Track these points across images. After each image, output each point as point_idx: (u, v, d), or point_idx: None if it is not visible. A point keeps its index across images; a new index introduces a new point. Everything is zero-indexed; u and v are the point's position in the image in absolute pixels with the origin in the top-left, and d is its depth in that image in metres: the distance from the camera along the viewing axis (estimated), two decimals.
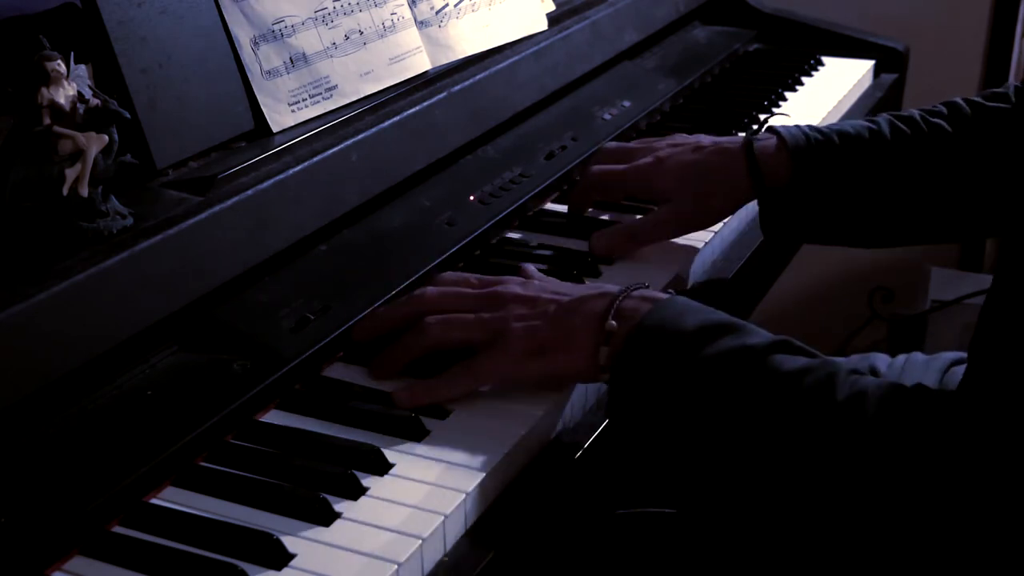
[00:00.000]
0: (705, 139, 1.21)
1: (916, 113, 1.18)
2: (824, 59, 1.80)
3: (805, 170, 1.14)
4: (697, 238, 1.20)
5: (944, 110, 1.18)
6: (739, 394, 0.82)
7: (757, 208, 1.20)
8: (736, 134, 1.48)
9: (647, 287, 0.93)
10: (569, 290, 0.96)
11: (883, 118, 1.18)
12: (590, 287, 0.98)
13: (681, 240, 1.19)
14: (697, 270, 1.20)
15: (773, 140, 1.16)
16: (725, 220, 1.23)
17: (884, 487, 0.77)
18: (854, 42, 1.84)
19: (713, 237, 1.22)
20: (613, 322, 0.89)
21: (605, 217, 1.26)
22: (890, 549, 0.77)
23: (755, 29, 1.87)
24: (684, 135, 1.25)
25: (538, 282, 0.98)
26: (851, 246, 1.22)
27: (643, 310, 0.88)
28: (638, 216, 1.21)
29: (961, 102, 1.18)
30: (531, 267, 1.04)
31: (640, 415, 0.87)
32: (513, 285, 0.96)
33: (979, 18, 2.37)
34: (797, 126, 1.18)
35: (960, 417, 0.76)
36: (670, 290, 0.93)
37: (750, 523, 0.88)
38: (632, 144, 1.25)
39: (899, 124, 1.16)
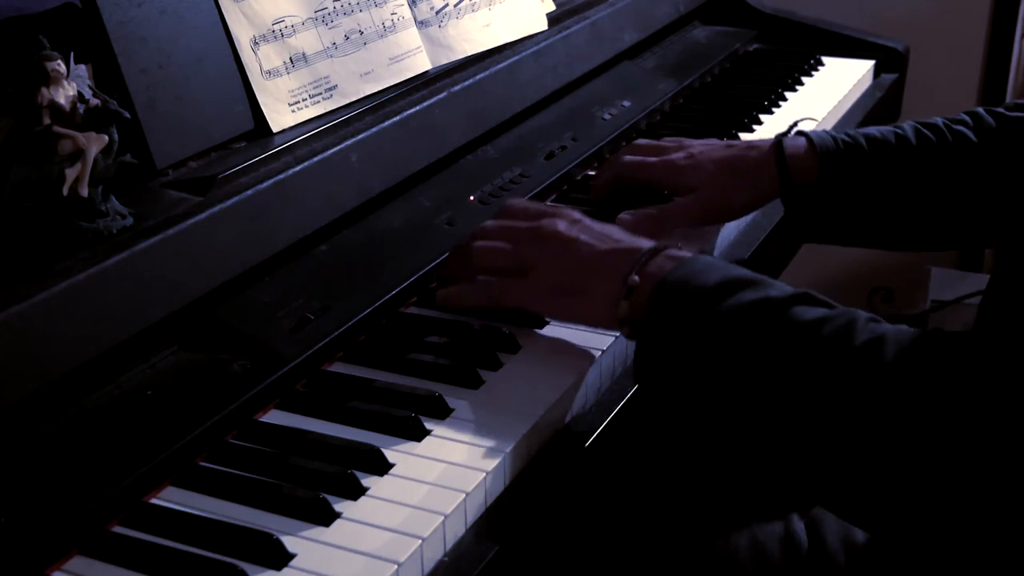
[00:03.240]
0: (737, 141, 1.26)
1: (940, 121, 1.20)
2: (824, 59, 1.80)
3: (832, 171, 1.17)
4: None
5: (968, 119, 1.20)
6: (760, 344, 0.83)
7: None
8: (736, 134, 1.49)
9: (678, 247, 0.95)
10: (607, 237, 0.98)
11: (908, 125, 1.21)
12: (628, 237, 0.99)
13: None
14: (717, 250, 1.25)
15: (803, 141, 1.20)
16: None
17: (903, 430, 0.76)
18: (854, 42, 1.84)
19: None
20: (636, 277, 0.92)
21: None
22: (909, 489, 0.77)
23: (755, 29, 1.87)
24: (715, 139, 1.29)
25: (585, 223, 1.01)
26: (871, 247, 1.26)
27: (667, 268, 0.91)
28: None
29: (983, 112, 1.20)
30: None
31: (664, 371, 0.89)
32: (559, 222, 1.00)
33: (979, 18, 2.37)
34: (825, 131, 1.22)
35: (978, 357, 0.76)
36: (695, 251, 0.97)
37: (776, 471, 0.89)
38: (664, 141, 1.28)
39: (924, 131, 1.19)
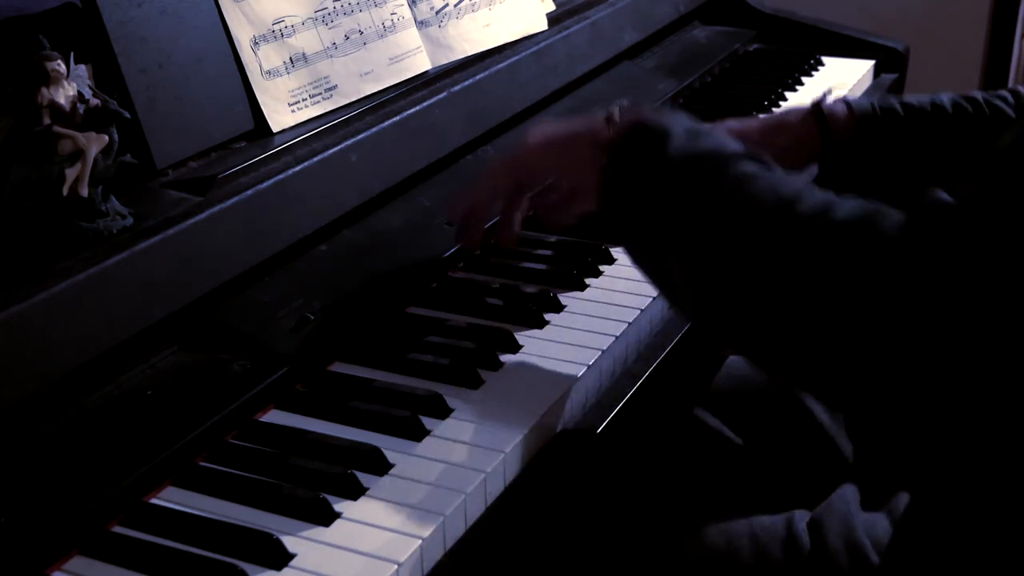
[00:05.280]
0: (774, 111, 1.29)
1: (979, 95, 1.22)
2: (824, 59, 1.80)
3: (867, 132, 1.21)
4: None
5: (1008, 95, 1.22)
6: (709, 184, 0.84)
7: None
8: None
9: None
10: None
11: (947, 96, 1.23)
12: None
13: None
14: None
15: (841, 105, 1.23)
16: None
17: (839, 283, 0.75)
18: (854, 42, 1.84)
19: None
20: (616, 110, 0.96)
21: None
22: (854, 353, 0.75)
23: (755, 29, 1.87)
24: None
25: None
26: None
27: (647, 112, 0.94)
28: None
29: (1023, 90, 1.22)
30: None
31: (625, 200, 0.90)
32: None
33: (979, 18, 2.37)
34: (863, 97, 1.25)
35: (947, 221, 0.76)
36: None
37: (725, 325, 0.85)
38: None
39: (962, 102, 1.21)
